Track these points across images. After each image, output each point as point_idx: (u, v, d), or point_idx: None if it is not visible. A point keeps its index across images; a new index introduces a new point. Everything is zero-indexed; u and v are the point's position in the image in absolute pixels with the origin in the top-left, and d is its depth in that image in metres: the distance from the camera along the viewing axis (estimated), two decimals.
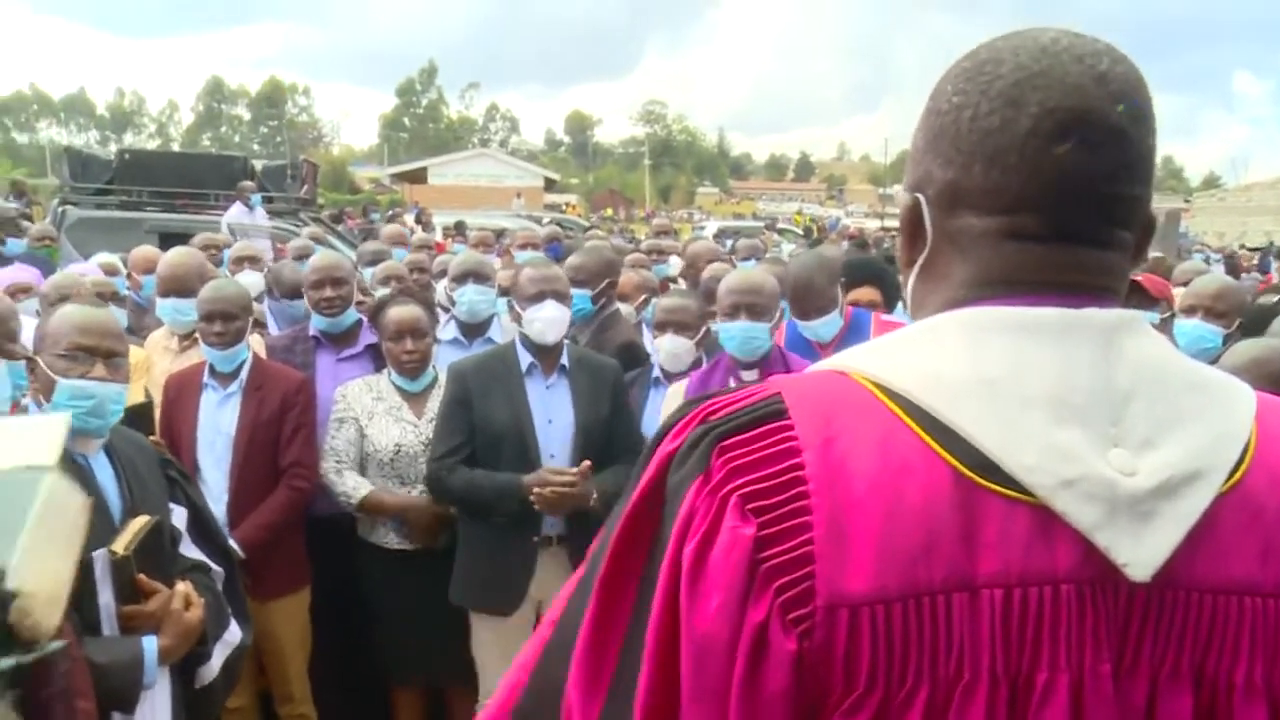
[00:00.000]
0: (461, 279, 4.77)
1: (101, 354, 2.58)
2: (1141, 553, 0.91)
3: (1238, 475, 0.96)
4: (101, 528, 2.33)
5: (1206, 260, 15.32)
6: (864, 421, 0.96)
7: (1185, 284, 5.03)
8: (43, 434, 0.88)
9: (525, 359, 3.85)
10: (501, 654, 3.92)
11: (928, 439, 0.94)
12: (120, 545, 2.32)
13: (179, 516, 2.67)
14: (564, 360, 3.86)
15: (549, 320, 3.92)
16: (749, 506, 0.93)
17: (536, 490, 3.64)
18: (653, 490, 1.01)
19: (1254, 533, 0.94)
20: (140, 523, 2.40)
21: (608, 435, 3.85)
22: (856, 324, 4.40)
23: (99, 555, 2.28)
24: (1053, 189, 0.98)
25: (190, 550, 2.69)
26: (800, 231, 32.28)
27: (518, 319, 3.96)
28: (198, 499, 2.82)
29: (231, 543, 3.13)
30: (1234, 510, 0.94)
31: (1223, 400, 1.00)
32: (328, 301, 4.43)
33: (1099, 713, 0.90)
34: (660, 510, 1.00)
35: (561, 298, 4.01)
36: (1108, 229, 1.01)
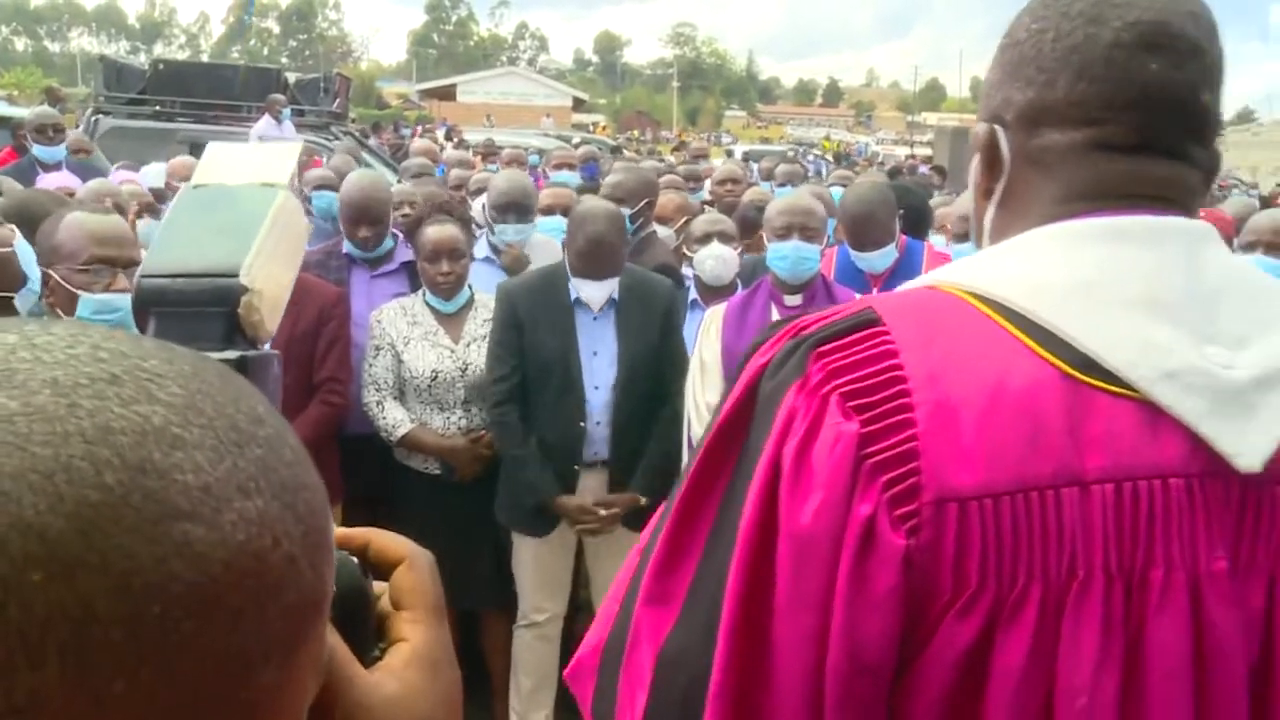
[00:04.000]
0: (504, 211, 4.66)
1: (122, 264, 2.51)
2: (1247, 443, 0.90)
3: None
4: None
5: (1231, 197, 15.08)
6: (961, 325, 0.96)
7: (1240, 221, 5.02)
8: (276, 158, 0.93)
9: (573, 289, 3.78)
10: (540, 573, 3.94)
11: (1026, 339, 0.94)
12: None
13: None
14: (614, 294, 3.80)
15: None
16: (851, 404, 0.92)
17: (574, 519, 3.74)
18: (744, 403, 1.00)
19: None
20: None
21: (656, 364, 3.81)
22: (910, 256, 4.35)
23: None
24: (1138, 97, 0.99)
25: None
26: (830, 157, 32.01)
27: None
28: None
29: None
30: None
31: None
32: (363, 241, 4.38)
33: (1220, 612, 0.89)
34: (750, 422, 0.98)
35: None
36: (1187, 142, 1.02)
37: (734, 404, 1.01)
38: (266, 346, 0.87)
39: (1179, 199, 1.02)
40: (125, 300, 2.45)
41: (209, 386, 0.50)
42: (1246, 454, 0.90)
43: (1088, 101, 1.00)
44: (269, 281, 0.84)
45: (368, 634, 0.70)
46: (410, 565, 0.72)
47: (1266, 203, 16.62)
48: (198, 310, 0.82)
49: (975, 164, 1.12)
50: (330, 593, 0.57)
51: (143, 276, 0.83)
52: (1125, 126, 1.00)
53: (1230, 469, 0.90)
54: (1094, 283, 0.95)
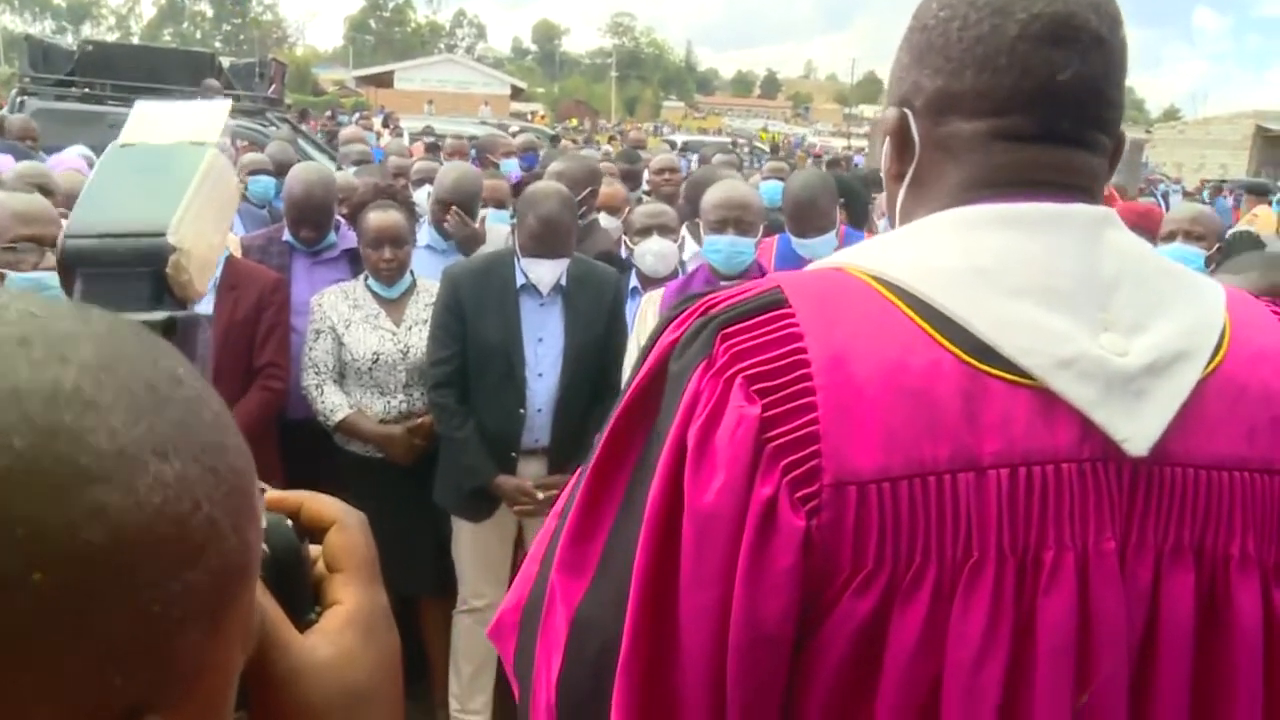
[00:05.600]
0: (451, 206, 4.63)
1: (49, 243, 2.46)
2: (1137, 428, 0.94)
3: (1218, 359, 0.99)
4: None
5: (1165, 195, 15.40)
6: (863, 309, 0.98)
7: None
8: (204, 116, 0.91)
9: (520, 275, 3.78)
10: (479, 558, 3.95)
11: (925, 326, 0.96)
12: None
13: None
14: (561, 280, 3.80)
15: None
16: (754, 388, 0.94)
17: (512, 499, 3.75)
18: (652, 379, 1.03)
19: (1237, 412, 0.98)
20: None
21: (600, 354, 3.82)
22: (849, 244, 4.37)
23: None
24: (1041, 89, 1.02)
25: None
26: (767, 149, 32.11)
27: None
28: None
29: None
30: (1217, 391, 0.98)
31: (1197, 289, 1.04)
32: (305, 240, 4.36)
33: (1105, 591, 0.93)
34: (659, 399, 1.01)
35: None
36: (1092, 131, 1.05)
37: (643, 380, 1.04)
38: (196, 307, 0.85)
39: (1081, 185, 1.05)
40: (55, 279, 2.41)
41: (124, 348, 0.49)
42: (1135, 439, 0.93)
43: (993, 93, 1.03)
44: (198, 240, 0.82)
45: (303, 597, 0.70)
46: (341, 527, 0.72)
47: (1191, 199, 17.02)
48: (125, 270, 0.80)
49: (886, 148, 1.14)
50: (258, 556, 0.57)
51: (68, 237, 0.81)
52: (1029, 117, 1.03)
53: (1122, 453, 0.94)
54: (990, 270, 0.98)
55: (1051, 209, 1.01)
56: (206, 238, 0.85)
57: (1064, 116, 1.03)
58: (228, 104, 0.93)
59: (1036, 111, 1.03)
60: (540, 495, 3.71)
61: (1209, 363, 0.98)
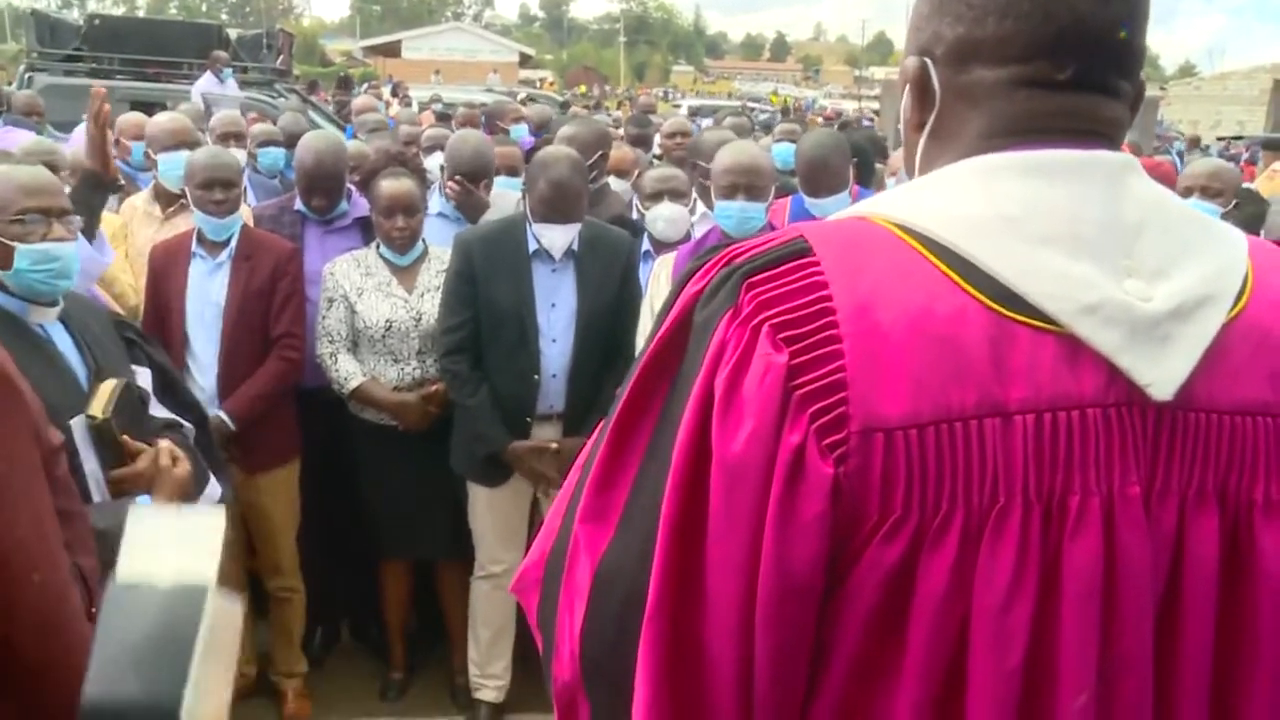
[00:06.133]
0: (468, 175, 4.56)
1: (55, 214, 2.47)
2: (1162, 373, 0.94)
3: (1241, 304, 0.99)
4: (72, 396, 2.30)
5: (1181, 154, 15.25)
6: (888, 257, 0.98)
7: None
8: (201, 537, 0.89)
9: (533, 242, 3.77)
10: (496, 524, 3.96)
11: (951, 273, 0.96)
12: (97, 409, 2.25)
13: (144, 378, 2.61)
14: (573, 245, 3.79)
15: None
16: (780, 336, 0.94)
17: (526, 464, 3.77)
18: (677, 329, 1.03)
19: (1261, 357, 0.98)
20: (111, 385, 2.33)
21: (613, 317, 3.81)
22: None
23: (77, 423, 2.23)
24: (1065, 34, 1.01)
25: (159, 410, 2.64)
26: (779, 109, 31.93)
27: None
28: (159, 357, 2.76)
29: (200, 399, 3.09)
30: (1241, 336, 0.98)
31: (1220, 236, 1.04)
32: (317, 209, 4.34)
33: (1131, 536, 0.93)
34: (684, 349, 1.01)
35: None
36: (1115, 77, 1.04)
37: (668, 330, 1.04)
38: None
39: (1103, 131, 1.04)
40: (63, 249, 2.43)
41: None
42: (1160, 383, 0.94)
43: (1015, 39, 1.02)
44: (209, 708, 0.84)
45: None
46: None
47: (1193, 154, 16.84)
48: None
49: (906, 97, 1.13)
50: None
51: (86, 700, 0.82)
52: (1051, 63, 1.02)
53: (1146, 398, 0.94)
54: (1015, 217, 0.97)
55: (1075, 156, 1.01)
56: (217, 699, 0.86)
57: (1086, 62, 1.02)
58: (221, 521, 0.89)
59: (1059, 57, 1.02)
60: (554, 445, 3.73)
61: (1232, 308, 0.98)
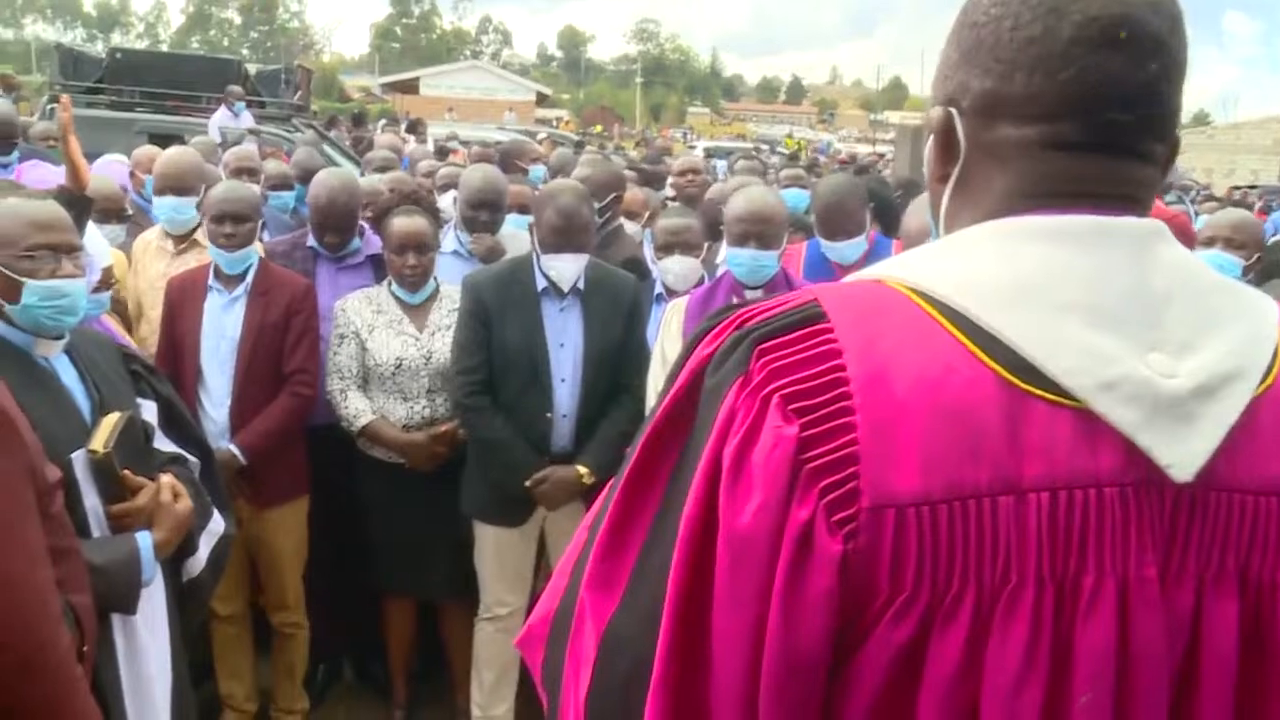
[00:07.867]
0: (478, 208, 4.57)
1: (65, 250, 2.44)
2: (1183, 453, 0.90)
3: (1270, 378, 0.95)
4: (74, 429, 2.29)
5: (1181, 200, 15.19)
6: (903, 325, 0.95)
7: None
8: None
9: (541, 280, 3.76)
10: (502, 567, 3.93)
11: (968, 343, 0.93)
12: (98, 443, 2.25)
13: (149, 411, 2.61)
14: (579, 283, 3.78)
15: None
16: (791, 407, 0.92)
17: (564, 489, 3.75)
18: (687, 393, 1.01)
19: None
20: (114, 419, 2.32)
21: (619, 357, 3.81)
22: (878, 250, 4.38)
23: (78, 456, 2.22)
24: (1095, 95, 0.98)
25: (164, 444, 2.63)
26: (789, 154, 32.04)
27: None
28: (165, 390, 2.74)
29: (212, 432, 3.04)
30: (1270, 412, 0.94)
31: (1250, 305, 1.00)
32: (329, 245, 4.36)
33: (1145, 618, 0.90)
34: (693, 414, 0.99)
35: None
36: (1146, 140, 1.01)
37: (678, 393, 1.02)
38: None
39: (1132, 195, 1.01)
40: (72, 286, 2.40)
41: None
42: (1181, 464, 0.90)
43: (1044, 97, 0.99)
44: None
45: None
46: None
47: (1222, 204, 16.78)
48: None
49: (930, 147, 1.10)
50: None
51: None
52: (1081, 124, 0.99)
53: (1165, 477, 0.90)
54: (1035, 285, 0.94)
55: (1100, 222, 0.98)
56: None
57: (1117, 124, 0.99)
58: None
59: (1089, 119, 0.99)
60: (585, 473, 3.72)
61: (1261, 382, 0.95)
